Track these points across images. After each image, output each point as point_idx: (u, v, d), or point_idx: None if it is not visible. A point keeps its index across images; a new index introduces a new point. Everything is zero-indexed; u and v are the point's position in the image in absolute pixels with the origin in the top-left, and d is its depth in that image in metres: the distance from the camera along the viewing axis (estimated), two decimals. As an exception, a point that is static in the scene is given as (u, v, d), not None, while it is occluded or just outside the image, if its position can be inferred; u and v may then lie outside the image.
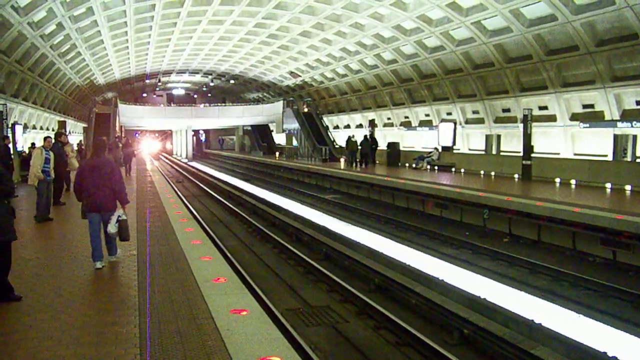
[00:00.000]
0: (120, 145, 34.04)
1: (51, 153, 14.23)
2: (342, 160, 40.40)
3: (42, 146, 14.07)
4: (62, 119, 42.87)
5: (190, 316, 6.62)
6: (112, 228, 9.01)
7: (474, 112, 34.92)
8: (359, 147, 35.17)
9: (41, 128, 38.75)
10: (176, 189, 28.34)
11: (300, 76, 51.81)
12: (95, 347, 5.68)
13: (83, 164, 9.92)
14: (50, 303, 7.12)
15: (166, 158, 76.18)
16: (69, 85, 42.18)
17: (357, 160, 35.25)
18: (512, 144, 31.84)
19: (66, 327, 6.23)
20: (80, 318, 6.55)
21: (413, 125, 41.57)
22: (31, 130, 35.37)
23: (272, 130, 63.40)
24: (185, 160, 64.41)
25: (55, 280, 8.23)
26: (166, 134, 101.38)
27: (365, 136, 36.14)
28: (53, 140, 16.11)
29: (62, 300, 7.26)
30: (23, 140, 30.68)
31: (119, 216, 9.09)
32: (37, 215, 13.79)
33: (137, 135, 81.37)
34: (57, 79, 37.59)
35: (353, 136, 37.77)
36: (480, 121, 34.39)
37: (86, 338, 5.92)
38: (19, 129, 29.51)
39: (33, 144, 29.40)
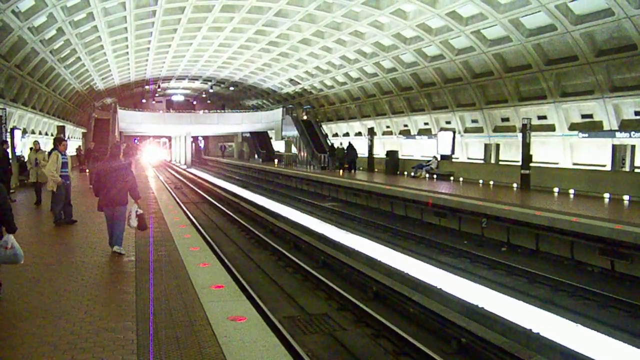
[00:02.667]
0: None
1: (68, 156, 14.23)
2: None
3: (58, 150, 13.94)
4: (61, 124, 42.89)
5: (188, 323, 6.60)
6: (133, 222, 10.39)
7: (473, 121, 34.97)
8: (346, 154, 39.23)
9: (40, 133, 38.68)
10: (175, 195, 28.31)
11: (299, 84, 51.86)
12: (92, 353, 5.67)
13: (101, 166, 11.11)
14: (47, 308, 7.10)
15: (170, 168, 65.61)
16: (69, 90, 42.17)
17: (345, 166, 38.68)
18: (510, 153, 31.87)
19: (63, 333, 6.21)
20: (77, 324, 6.52)
21: (412, 133, 41.60)
22: (30, 135, 35.31)
23: (271, 138, 63.43)
24: (184, 167, 64.39)
25: (52, 286, 8.22)
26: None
27: (350, 144, 40.32)
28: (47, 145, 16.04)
29: (59, 305, 7.24)
30: (22, 145, 30.64)
31: (136, 211, 10.42)
32: (55, 220, 13.82)
33: (136, 141, 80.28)
34: (57, 84, 37.58)
35: (341, 144, 42.23)
36: (479, 130, 34.44)
37: (83, 344, 5.90)
38: (17, 133, 29.49)
39: (32, 148, 29.38)
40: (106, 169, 10.68)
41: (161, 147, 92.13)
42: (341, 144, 42.27)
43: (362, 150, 43.86)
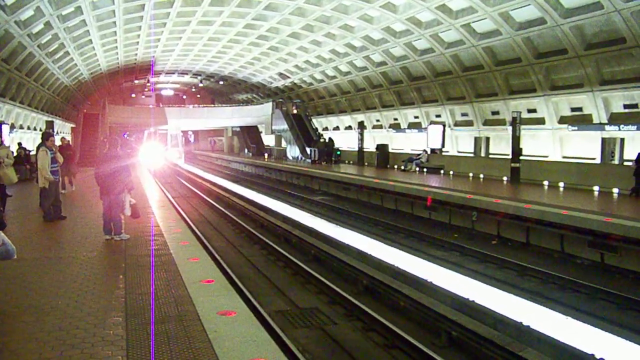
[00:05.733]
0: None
1: (55, 152, 14.17)
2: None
3: (46, 146, 13.80)
4: (49, 119, 42.61)
5: (178, 318, 6.57)
6: (128, 211, 11.41)
7: (462, 115, 35.01)
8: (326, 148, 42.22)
9: (28, 128, 38.48)
10: (164, 190, 28.20)
11: (289, 77, 51.76)
12: (81, 349, 5.63)
13: (99, 158, 12.49)
14: (36, 304, 7.04)
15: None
16: (57, 85, 41.89)
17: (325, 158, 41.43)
18: (500, 146, 31.95)
19: (52, 329, 6.17)
20: (66, 320, 6.48)
21: (402, 127, 41.63)
22: (18, 130, 35.12)
23: (261, 132, 63.27)
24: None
25: (41, 281, 8.15)
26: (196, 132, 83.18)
27: (330, 138, 43.65)
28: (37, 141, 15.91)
29: (48, 301, 7.18)
30: (10, 140, 30.44)
31: (130, 201, 11.47)
32: (45, 216, 13.72)
33: (126, 135, 78.71)
34: (45, 78, 37.30)
35: (323, 137, 44.85)
36: (469, 124, 34.48)
37: (72, 340, 5.86)
38: (5, 128, 29.30)
39: (20, 143, 29.24)
40: (105, 160, 11.66)
41: (171, 142, 61.81)
42: (323, 137, 44.13)
43: (352, 144, 43.92)
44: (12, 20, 24.68)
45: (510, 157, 24.92)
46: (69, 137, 48.86)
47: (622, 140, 25.11)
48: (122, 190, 11.40)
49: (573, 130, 26.78)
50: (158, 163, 44.15)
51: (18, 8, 24.29)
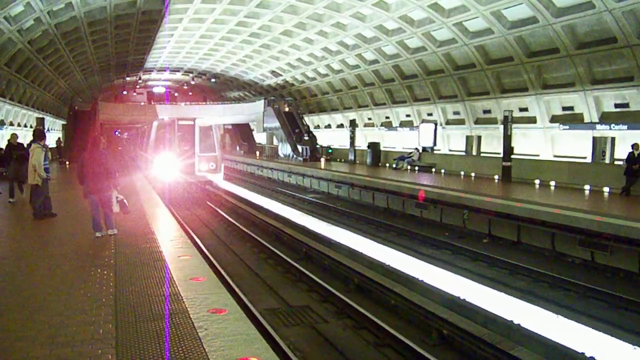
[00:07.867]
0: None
1: (47, 150, 14.03)
2: (322, 159, 40.72)
3: (39, 143, 13.66)
4: (40, 116, 42.33)
5: (168, 315, 6.52)
6: (116, 208, 11.39)
7: (454, 113, 35.06)
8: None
9: (19, 125, 38.22)
10: (155, 188, 28.04)
11: (281, 75, 51.72)
12: (71, 347, 5.58)
13: (83, 156, 11.54)
14: (24, 302, 6.98)
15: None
16: (48, 82, 41.64)
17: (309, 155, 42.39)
18: (492, 145, 32.02)
19: (41, 327, 6.11)
20: (56, 317, 6.42)
21: (394, 125, 41.66)
22: (8, 127, 34.87)
23: (253, 130, 63.21)
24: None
25: (31, 279, 8.10)
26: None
27: (312, 135, 44.96)
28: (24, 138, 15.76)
29: (37, 299, 7.12)
30: (0, 137, 30.25)
31: (117, 198, 11.39)
32: (35, 213, 13.60)
33: (117, 133, 78.18)
34: (35, 75, 37.06)
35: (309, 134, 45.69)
36: (461, 122, 34.54)
37: (62, 338, 5.81)
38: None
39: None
40: (88, 158, 11.23)
41: (200, 144, 30.30)
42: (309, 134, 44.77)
43: (344, 142, 43.92)
44: (1, 15, 24.46)
45: (501, 155, 24.96)
46: (59, 134, 48.60)
47: (613, 139, 25.21)
48: (109, 188, 11.28)
49: (564, 129, 26.87)
50: (172, 177, 27.51)
51: (8, 4, 24.00)
